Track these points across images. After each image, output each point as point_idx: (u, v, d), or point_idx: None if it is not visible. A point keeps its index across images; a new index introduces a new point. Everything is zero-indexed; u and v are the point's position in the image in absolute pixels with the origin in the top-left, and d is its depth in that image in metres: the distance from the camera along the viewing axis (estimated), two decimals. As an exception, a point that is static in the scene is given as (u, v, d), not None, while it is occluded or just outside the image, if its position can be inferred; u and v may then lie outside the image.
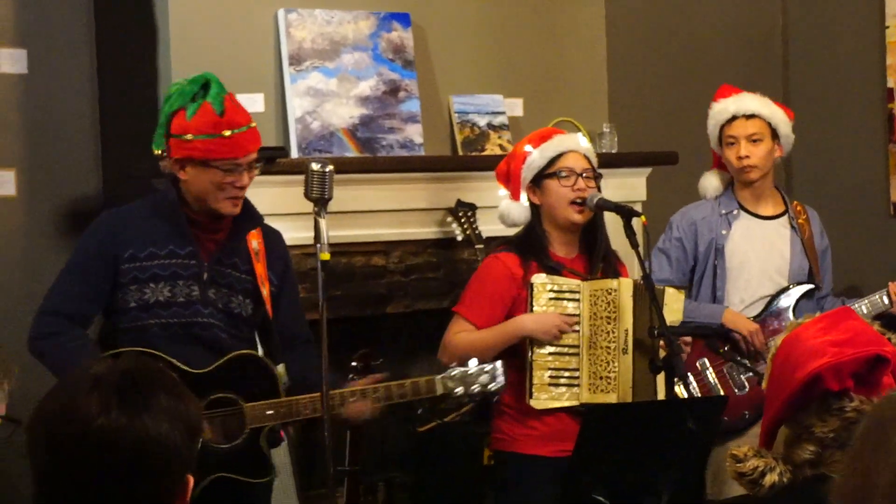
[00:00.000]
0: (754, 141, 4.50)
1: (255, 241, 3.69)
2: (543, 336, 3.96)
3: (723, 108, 4.55)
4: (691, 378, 4.34)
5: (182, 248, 3.60)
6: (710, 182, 4.64)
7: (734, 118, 4.52)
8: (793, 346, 2.25)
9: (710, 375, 4.46)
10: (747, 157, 4.49)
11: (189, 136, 3.54)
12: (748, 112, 4.52)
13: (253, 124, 3.62)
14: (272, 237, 3.77)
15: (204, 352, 3.58)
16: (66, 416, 1.76)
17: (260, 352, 3.76)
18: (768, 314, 4.51)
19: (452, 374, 3.77)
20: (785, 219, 4.61)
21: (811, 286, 4.55)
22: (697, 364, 4.45)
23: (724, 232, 4.54)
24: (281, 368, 3.72)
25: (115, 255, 3.59)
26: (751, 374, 4.40)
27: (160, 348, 3.53)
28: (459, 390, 3.77)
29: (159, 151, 3.62)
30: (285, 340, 3.75)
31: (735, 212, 4.57)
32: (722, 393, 4.40)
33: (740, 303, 4.52)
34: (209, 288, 3.61)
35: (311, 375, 3.66)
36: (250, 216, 3.67)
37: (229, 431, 3.59)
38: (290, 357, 3.75)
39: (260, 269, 3.68)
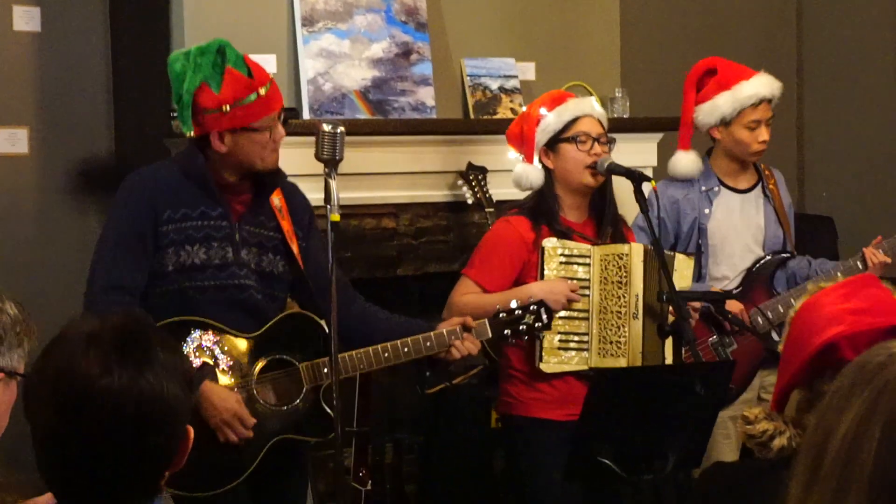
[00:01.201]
0: (768, 124, 4.43)
1: (276, 198, 3.68)
2: (552, 305, 3.96)
3: (753, 92, 4.38)
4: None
5: (213, 209, 3.58)
6: (695, 164, 4.48)
7: (761, 102, 4.39)
8: (811, 311, 2.23)
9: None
10: (766, 140, 4.42)
11: (226, 108, 3.50)
12: (775, 96, 4.43)
13: (272, 75, 3.65)
14: (291, 191, 3.76)
15: (241, 314, 3.57)
16: (68, 377, 1.77)
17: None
18: (747, 286, 4.48)
19: (500, 315, 3.80)
20: (759, 189, 4.55)
21: (786, 255, 4.51)
22: None
23: (706, 211, 4.46)
24: None
25: (154, 217, 3.53)
26: (735, 347, 4.39)
27: (199, 312, 3.52)
28: (507, 332, 3.81)
29: (190, 133, 3.54)
30: (322, 288, 3.67)
31: (716, 188, 4.49)
32: None
33: (724, 279, 4.48)
34: (242, 249, 3.60)
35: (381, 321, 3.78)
36: (275, 173, 3.66)
37: (287, 393, 3.60)
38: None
39: (286, 225, 3.67)
